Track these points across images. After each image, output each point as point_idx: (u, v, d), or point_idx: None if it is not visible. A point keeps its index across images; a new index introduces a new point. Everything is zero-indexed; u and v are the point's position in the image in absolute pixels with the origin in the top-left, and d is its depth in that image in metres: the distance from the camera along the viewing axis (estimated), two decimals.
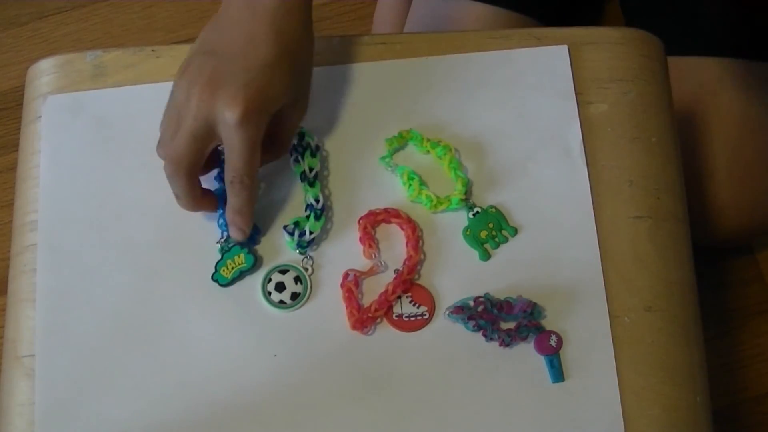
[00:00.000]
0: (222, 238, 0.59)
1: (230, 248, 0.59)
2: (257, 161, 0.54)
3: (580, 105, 0.63)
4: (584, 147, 0.62)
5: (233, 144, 0.52)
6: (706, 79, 0.83)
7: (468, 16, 0.84)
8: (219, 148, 0.58)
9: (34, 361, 0.57)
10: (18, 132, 0.64)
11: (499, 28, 0.84)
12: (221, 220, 0.59)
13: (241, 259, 0.58)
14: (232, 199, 0.56)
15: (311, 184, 0.60)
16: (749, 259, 1.08)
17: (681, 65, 0.83)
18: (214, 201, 0.58)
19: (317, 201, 0.59)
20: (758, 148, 0.82)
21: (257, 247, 0.60)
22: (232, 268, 0.58)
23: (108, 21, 1.25)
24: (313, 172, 0.60)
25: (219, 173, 0.59)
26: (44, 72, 0.65)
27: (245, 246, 0.58)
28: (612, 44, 0.64)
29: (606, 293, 0.58)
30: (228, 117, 0.51)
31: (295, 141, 0.60)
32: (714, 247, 0.92)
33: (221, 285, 0.58)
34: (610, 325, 0.58)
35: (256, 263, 0.58)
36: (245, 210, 0.56)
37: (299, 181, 0.60)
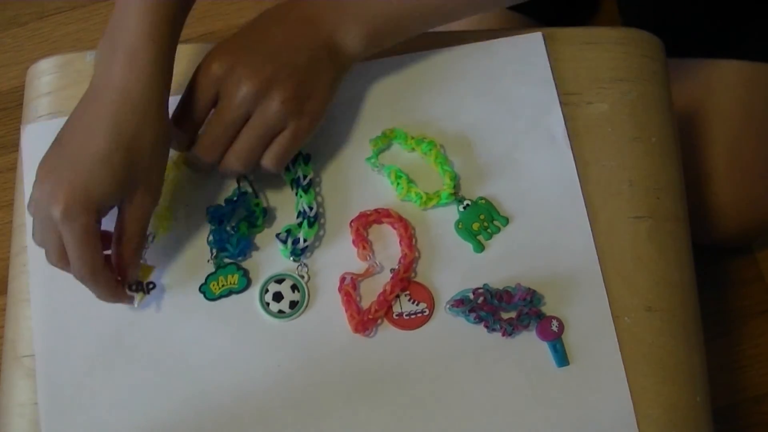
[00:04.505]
0: (213, 256, 0.58)
1: (226, 265, 0.58)
2: (92, 257, 0.51)
3: (580, 105, 0.63)
4: (584, 147, 0.62)
5: (65, 239, 0.51)
6: (707, 80, 0.83)
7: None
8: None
9: (34, 361, 0.57)
10: (18, 132, 0.64)
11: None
12: (210, 238, 0.58)
13: (234, 279, 0.58)
14: (91, 291, 0.54)
15: (305, 191, 0.59)
16: (749, 259, 1.08)
17: (682, 66, 0.83)
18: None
19: (311, 208, 0.59)
20: (758, 148, 0.82)
21: (250, 259, 0.59)
22: (223, 286, 0.58)
23: (108, 21, 1.25)
24: (307, 180, 0.59)
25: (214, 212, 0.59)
26: (44, 72, 0.65)
27: (241, 268, 0.58)
28: (612, 44, 0.64)
29: (606, 293, 0.58)
30: (53, 213, 0.50)
31: None
32: (714, 247, 0.92)
33: (207, 299, 0.58)
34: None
35: (247, 286, 0.58)
36: (108, 296, 0.54)
37: (289, 188, 0.60)
